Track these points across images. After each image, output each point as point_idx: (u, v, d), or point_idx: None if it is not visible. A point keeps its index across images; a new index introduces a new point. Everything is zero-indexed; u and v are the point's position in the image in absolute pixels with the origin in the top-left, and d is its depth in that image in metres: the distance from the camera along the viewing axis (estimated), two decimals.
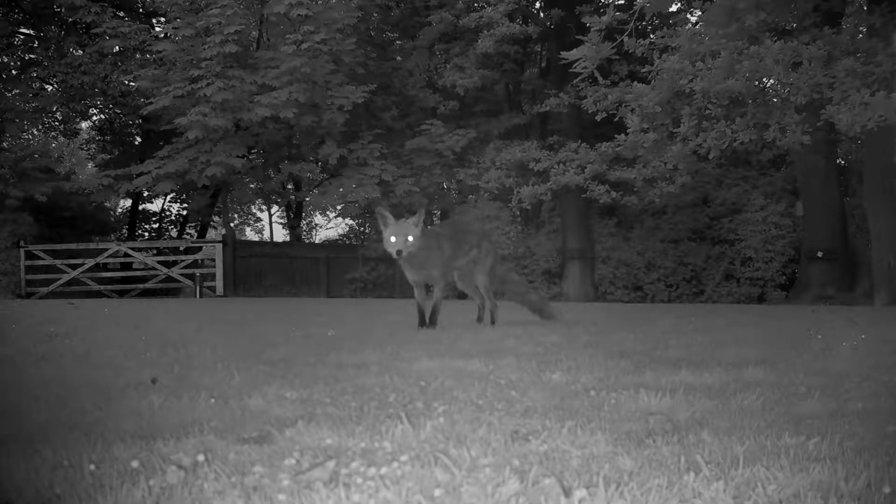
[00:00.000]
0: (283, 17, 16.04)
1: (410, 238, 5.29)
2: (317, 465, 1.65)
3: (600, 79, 7.34)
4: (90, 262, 16.02)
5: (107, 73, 17.20)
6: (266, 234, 34.82)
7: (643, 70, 11.78)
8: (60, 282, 15.66)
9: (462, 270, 6.12)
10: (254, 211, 32.57)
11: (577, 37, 7.05)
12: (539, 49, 19.67)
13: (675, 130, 11.58)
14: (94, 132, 23.66)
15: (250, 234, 35.53)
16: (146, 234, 23.33)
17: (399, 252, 5.25)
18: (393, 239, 5.31)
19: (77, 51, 18.24)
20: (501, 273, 6.46)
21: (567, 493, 1.48)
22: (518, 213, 17.87)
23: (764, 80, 11.14)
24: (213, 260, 16.34)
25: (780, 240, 16.05)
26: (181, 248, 18.54)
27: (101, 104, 20.47)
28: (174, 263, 16.55)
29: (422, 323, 5.64)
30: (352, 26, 16.55)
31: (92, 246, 16.86)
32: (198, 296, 15.68)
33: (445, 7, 17.44)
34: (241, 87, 15.05)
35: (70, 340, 4.73)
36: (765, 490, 1.55)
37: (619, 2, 14.19)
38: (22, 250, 15.53)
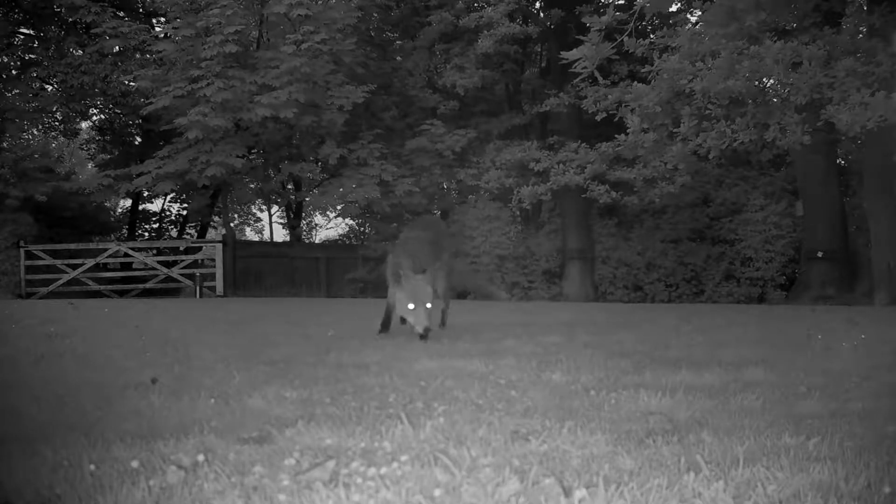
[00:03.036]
0: (283, 17, 16.04)
1: (428, 305, 4.48)
2: (317, 465, 1.65)
3: (600, 79, 7.33)
4: (90, 262, 16.00)
5: (107, 73, 17.19)
6: (266, 234, 34.81)
7: (643, 70, 11.77)
8: (60, 282, 15.65)
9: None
10: (254, 211, 32.55)
11: (577, 37, 7.05)
12: (539, 49, 19.66)
13: (675, 130, 11.57)
14: (94, 132, 23.64)
15: (250, 234, 35.51)
16: (146, 234, 23.31)
17: (426, 330, 4.43)
18: (411, 306, 4.48)
19: (77, 51, 18.22)
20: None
21: (567, 493, 1.48)
22: (518, 213, 17.87)
23: (764, 80, 11.13)
24: (213, 260, 16.33)
25: (780, 240, 16.04)
26: (181, 248, 18.52)
27: (101, 104, 20.45)
28: (174, 263, 16.54)
29: (384, 328, 5.28)
30: (352, 26, 16.54)
31: (92, 246, 16.84)
32: (198, 296, 15.68)
33: (445, 7, 17.42)
34: (241, 87, 15.04)
35: (70, 340, 4.73)
36: (765, 490, 1.55)
37: (619, 2, 14.19)
38: (22, 250, 15.51)
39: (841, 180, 16.32)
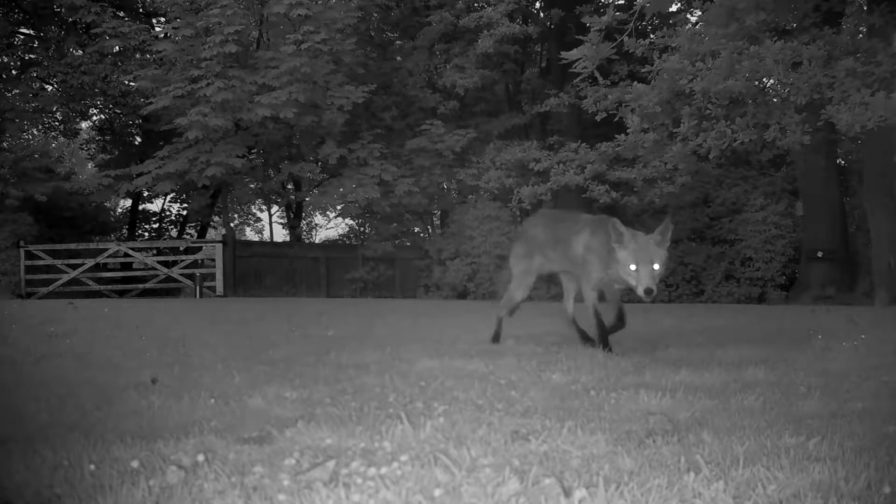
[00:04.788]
0: (283, 17, 16.04)
1: (657, 266, 3.84)
2: (317, 465, 1.65)
3: (600, 79, 7.33)
4: (90, 262, 16.00)
5: (107, 73, 17.19)
6: (266, 234, 34.80)
7: (643, 70, 11.78)
8: (60, 282, 15.65)
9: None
10: (254, 211, 32.53)
11: (577, 37, 7.05)
12: (539, 49, 19.67)
13: (675, 130, 11.57)
14: (94, 132, 23.64)
15: (250, 234, 35.49)
16: (146, 234, 23.31)
17: (649, 290, 3.77)
18: (633, 267, 3.84)
19: (77, 51, 18.22)
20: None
21: (567, 493, 1.48)
22: (518, 213, 17.87)
23: (764, 80, 11.14)
24: (213, 260, 16.32)
25: (780, 240, 16.04)
26: (181, 248, 18.51)
27: (101, 104, 20.45)
28: (174, 263, 16.54)
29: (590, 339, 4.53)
30: (352, 26, 16.54)
31: (92, 246, 16.85)
32: (198, 296, 15.67)
33: (445, 7, 17.44)
34: (241, 87, 15.04)
35: (70, 340, 4.73)
36: (765, 490, 1.55)
37: (619, 2, 14.19)
38: (22, 250, 15.51)
39: (841, 180, 16.33)
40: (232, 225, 26.31)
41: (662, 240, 3.91)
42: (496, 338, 4.74)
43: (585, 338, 4.50)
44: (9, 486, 1.59)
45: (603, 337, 4.27)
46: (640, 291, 3.80)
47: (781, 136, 10.51)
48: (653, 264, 3.80)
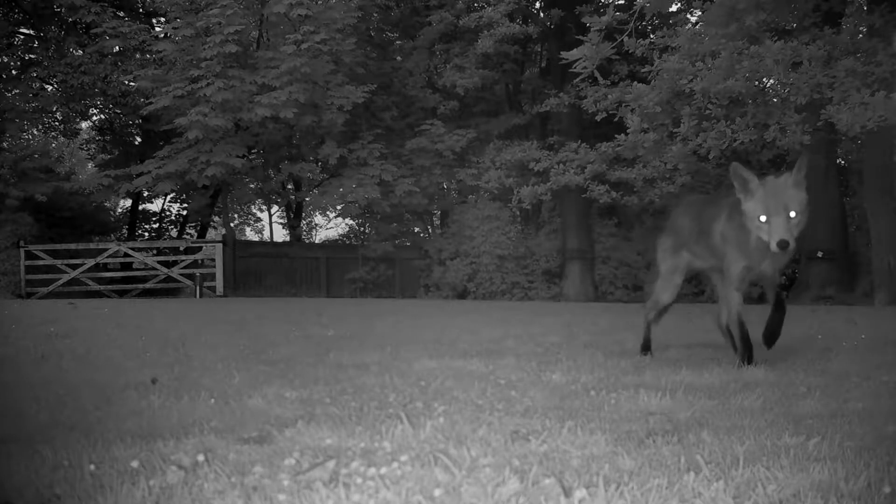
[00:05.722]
0: (283, 17, 16.04)
1: (793, 213, 3.12)
2: (317, 465, 1.65)
3: (600, 79, 7.34)
4: (90, 262, 16.00)
5: (107, 73, 17.19)
6: (266, 234, 34.80)
7: (643, 70, 11.80)
8: (60, 282, 15.65)
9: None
10: (254, 211, 32.53)
11: (577, 37, 7.05)
12: (539, 49, 19.67)
13: (675, 130, 11.59)
14: (94, 132, 23.64)
15: (250, 234, 35.49)
16: (146, 234, 23.31)
17: (784, 243, 3.08)
18: (763, 218, 3.14)
19: (77, 51, 18.23)
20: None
21: (567, 493, 1.48)
22: (518, 213, 17.87)
23: (764, 80, 11.15)
24: (213, 260, 16.32)
25: None
26: (181, 248, 18.52)
27: (101, 104, 20.45)
28: (174, 263, 16.54)
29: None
30: (352, 26, 16.55)
31: (92, 246, 16.85)
32: (198, 296, 15.67)
33: (445, 7, 17.44)
34: (241, 87, 15.05)
35: (70, 340, 4.73)
36: (765, 490, 1.55)
37: (619, 2, 14.18)
38: (22, 250, 15.51)
39: (841, 180, 16.33)
40: (232, 225, 26.30)
41: (799, 180, 3.15)
42: (646, 346, 4.09)
43: (746, 354, 3.58)
44: (9, 486, 1.59)
45: (746, 349, 3.55)
46: (773, 245, 3.09)
47: (781, 136, 10.52)
48: (788, 211, 3.09)
